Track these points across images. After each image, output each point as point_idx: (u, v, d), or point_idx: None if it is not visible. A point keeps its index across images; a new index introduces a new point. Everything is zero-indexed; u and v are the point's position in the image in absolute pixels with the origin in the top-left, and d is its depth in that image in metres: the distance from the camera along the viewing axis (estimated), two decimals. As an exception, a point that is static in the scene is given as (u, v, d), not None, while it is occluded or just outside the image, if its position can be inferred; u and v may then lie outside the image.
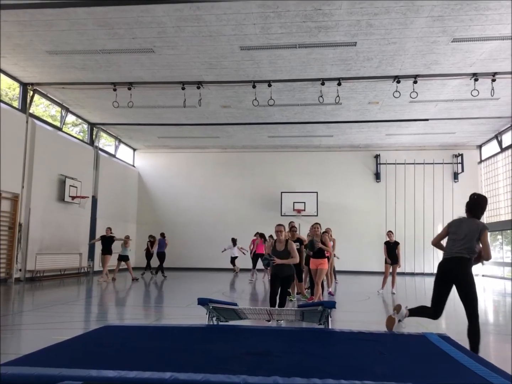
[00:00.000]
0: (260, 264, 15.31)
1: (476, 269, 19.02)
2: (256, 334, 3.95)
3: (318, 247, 8.36)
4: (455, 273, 4.24)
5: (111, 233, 13.90)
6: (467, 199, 4.53)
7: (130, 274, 14.48)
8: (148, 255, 16.65)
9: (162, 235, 16.36)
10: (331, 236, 11.56)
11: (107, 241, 13.76)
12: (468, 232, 4.27)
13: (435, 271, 4.48)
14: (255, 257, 15.27)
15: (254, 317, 4.59)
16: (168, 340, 3.62)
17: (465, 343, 4.41)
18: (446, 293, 4.36)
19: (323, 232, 10.88)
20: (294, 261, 6.37)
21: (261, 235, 15.23)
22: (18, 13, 9.08)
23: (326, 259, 8.58)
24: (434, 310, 4.41)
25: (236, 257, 17.23)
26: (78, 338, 3.78)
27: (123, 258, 14.25)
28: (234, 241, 17.20)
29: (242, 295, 11.23)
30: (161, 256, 15.85)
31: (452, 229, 4.47)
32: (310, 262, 8.79)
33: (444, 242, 4.65)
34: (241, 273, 17.51)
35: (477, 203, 4.42)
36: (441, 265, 4.42)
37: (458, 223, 4.46)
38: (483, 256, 4.30)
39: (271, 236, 14.91)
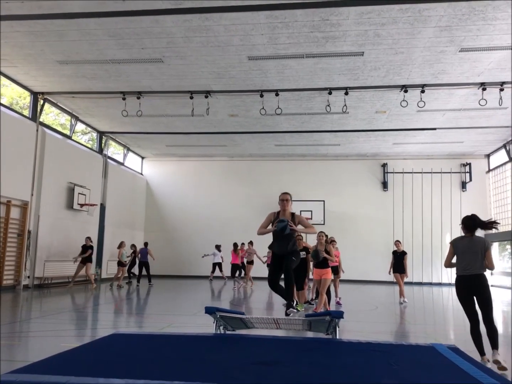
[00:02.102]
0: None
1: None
2: (264, 343, 3.93)
3: (322, 256, 8.28)
4: (477, 290, 4.85)
5: (90, 242, 14.03)
6: (472, 212, 5.11)
7: (115, 278, 14.74)
8: (131, 265, 16.25)
9: (145, 244, 16.09)
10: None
11: (87, 250, 13.92)
12: (477, 250, 4.86)
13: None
14: (232, 267, 15.49)
15: (261, 326, 4.58)
16: (176, 349, 3.62)
17: (474, 354, 4.39)
18: (474, 302, 4.92)
19: (331, 241, 10.84)
20: (311, 230, 5.62)
21: (234, 245, 15.38)
22: (30, 24, 9.23)
23: (330, 269, 8.47)
24: (474, 320, 4.89)
25: (219, 263, 17.22)
26: (86, 346, 3.79)
27: (122, 264, 14.80)
28: (218, 247, 17.17)
29: (248, 303, 11.21)
30: (145, 265, 15.52)
31: (458, 247, 5.02)
32: (313, 272, 8.69)
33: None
34: (218, 280, 17.51)
35: (476, 223, 4.98)
36: (462, 283, 4.96)
37: (464, 242, 4.99)
38: (489, 267, 4.90)
39: (250, 243, 15.27)
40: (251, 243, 15.45)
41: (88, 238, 14.15)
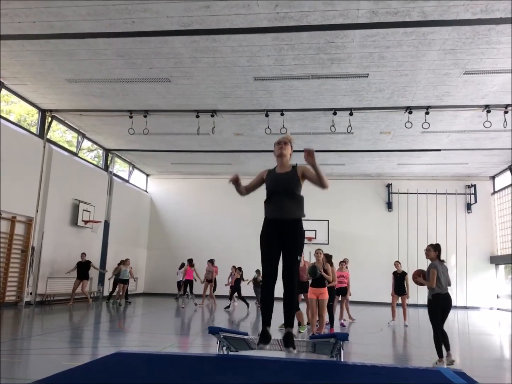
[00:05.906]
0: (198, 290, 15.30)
1: (492, 303, 18.62)
2: (267, 365, 3.89)
3: (319, 274, 8.10)
4: (449, 306, 6.13)
5: (86, 258, 13.93)
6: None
7: (125, 296, 14.85)
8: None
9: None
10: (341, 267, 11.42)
11: (83, 266, 13.89)
12: (447, 273, 6.22)
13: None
14: (184, 283, 15.20)
15: (264, 347, 4.52)
16: (179, 370, 3.59)
17: (480, 379, 4.32)
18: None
19: (341, 262, 10.83)
20: (324, 180, 4.02)
21: (189, 261, 15.27)
22: (41, 43, 9.42)
23: (326, 288, 8.27)
24: (441, 330, 6.04)
25: (181, 281, 16.24)
26: (89, 365, 3.77)
27: (123, 281, 14.78)
28: (181, 265, 16.76)
29: (250, 323, 11.11)
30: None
31: (439, 270, 6.10)
32: (309, 291, 8.44)
33: None
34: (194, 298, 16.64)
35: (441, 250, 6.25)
36: (441, 299, 6.07)
37: (441, 267, 6.16)
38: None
39: (210, 261, 15.48)
40: (211, 261, 15.53)
41: (84, 254, 14.04)
